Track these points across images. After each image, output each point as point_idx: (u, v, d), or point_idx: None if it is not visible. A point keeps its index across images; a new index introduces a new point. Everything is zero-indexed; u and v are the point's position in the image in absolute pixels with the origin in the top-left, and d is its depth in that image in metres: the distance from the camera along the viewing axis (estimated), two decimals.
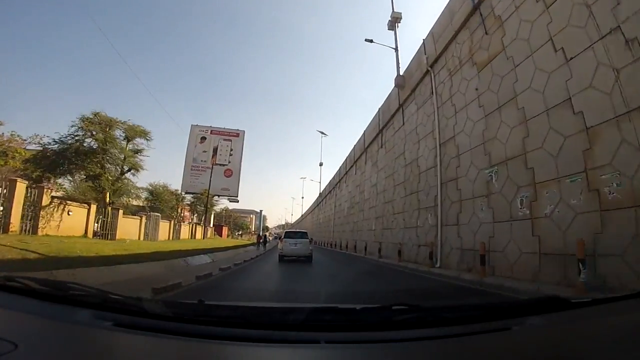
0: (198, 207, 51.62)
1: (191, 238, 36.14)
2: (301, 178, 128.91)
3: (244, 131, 57.39)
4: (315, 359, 0.95)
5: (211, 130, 56.68)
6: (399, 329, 1.08)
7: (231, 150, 55.39)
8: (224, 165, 54.76)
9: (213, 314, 1.16)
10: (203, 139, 56.00)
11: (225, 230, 65.67)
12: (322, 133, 52.51)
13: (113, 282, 5.30)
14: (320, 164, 50.72)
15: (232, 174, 54.20)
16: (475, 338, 1.04)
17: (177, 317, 1.09)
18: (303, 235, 14.50)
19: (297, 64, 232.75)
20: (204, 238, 37.48)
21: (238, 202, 54.82)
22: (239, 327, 1.05)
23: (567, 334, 1.05)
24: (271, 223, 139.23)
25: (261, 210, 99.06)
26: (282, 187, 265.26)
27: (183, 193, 49.78)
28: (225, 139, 55.99)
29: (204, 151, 54.41)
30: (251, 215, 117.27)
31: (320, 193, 47.88)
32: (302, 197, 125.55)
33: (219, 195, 54.26)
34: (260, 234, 36.18)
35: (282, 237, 15.59)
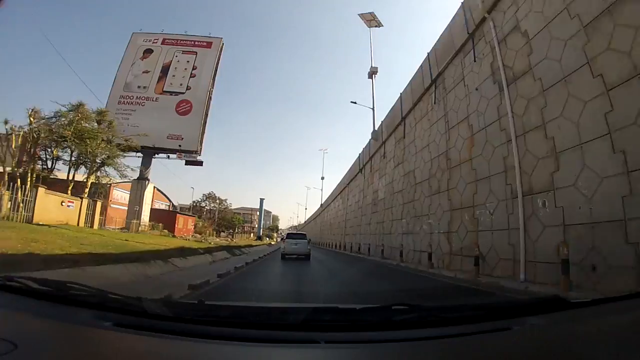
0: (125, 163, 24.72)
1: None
2: (320, 150, 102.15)
3: (220, 39, 32.10)
4: (315, 359, 0.93)
5: (164, 39, 31.52)
6: (399, 329, 1.06)
7: (194, 68, 30.08)
8: (178, 93, 29.44)
9: (213, 314, 1.14)
10: (148, 52, 31.06)
11: (182, 222, 38.53)
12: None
13: None
14: (376, 99, 24.75)
15: (190, 109, 28.76)
16: (476, 338, 1.01)
17: (177, 317, 1.07)
18: (302, 236, 17.41)
19: (314, 65, 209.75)
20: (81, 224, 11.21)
21: (201, 164, 29.22)
22: (239, 327, 1.03)
23: (567, 334, 1.03)
24: (283, 224, 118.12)
25: (262, 199, 73.35)
26: (297, 186, 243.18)
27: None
28: (185, 52, 30.76)
29: (146, 71, 29.06)
30: (258, 213, 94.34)
31: (363, 149, 22.16)
32: (322, 178, 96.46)
33: (167, 153, 28.90)
34: None
35: (285, 238, 19.15)
